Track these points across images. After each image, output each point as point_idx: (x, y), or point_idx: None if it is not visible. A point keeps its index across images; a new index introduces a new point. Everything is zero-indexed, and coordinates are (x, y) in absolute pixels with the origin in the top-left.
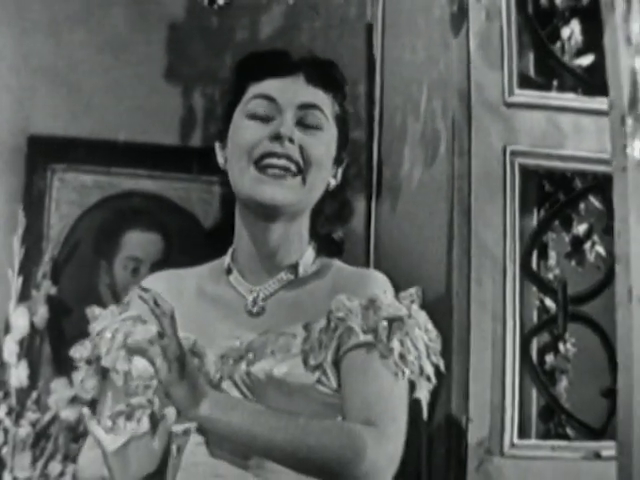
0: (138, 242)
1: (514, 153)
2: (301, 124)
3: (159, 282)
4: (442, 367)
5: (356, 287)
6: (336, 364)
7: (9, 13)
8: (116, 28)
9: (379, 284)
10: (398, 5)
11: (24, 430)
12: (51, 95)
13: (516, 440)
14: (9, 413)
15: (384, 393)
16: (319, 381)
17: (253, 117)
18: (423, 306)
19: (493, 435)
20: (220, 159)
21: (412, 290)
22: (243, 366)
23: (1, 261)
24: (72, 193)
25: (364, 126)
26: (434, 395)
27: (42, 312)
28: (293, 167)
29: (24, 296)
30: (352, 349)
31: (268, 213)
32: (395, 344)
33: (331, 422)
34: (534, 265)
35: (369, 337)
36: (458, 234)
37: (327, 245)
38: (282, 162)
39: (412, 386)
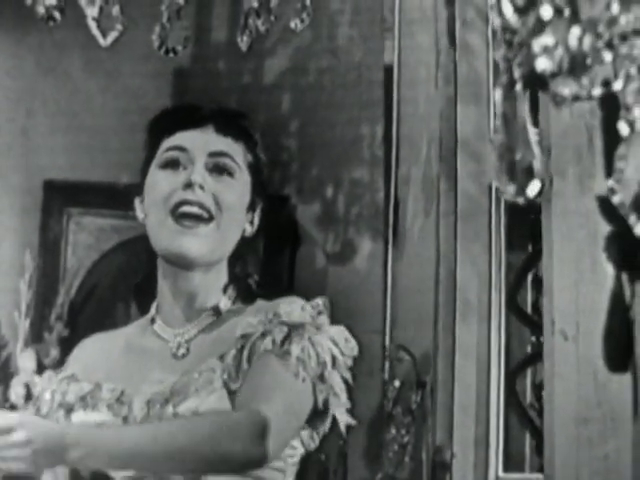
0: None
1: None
2: (213, 171)
3: (90, 346)
4: (350, 381)
5: (267, 309)
6: None
7: (25, 60)
8: (126, 74)
9: (289, 301)
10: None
11: None
12: (67, 139)
13: (501, 473)
14: None
15: (277, 385)
16: None
17: (166, 168)
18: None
19: (478, 468)
20: (140, 214)
21: (319, 300)
22: (170, 409)
23: (12, 304)
24: (89, 237)
25: (381, 168)
26: (419, 432)
27: (54, 354)
28: (205, 214)
29: (35, 338)
30: (257, 359)
31: (186, 264)
32: (293, 348)
33: (213, 415)
34: (529, 301)
35: (268, 342)
36: (444, 269)
37: (244, 290)
38: (195, 210)
39: (326, 404)
